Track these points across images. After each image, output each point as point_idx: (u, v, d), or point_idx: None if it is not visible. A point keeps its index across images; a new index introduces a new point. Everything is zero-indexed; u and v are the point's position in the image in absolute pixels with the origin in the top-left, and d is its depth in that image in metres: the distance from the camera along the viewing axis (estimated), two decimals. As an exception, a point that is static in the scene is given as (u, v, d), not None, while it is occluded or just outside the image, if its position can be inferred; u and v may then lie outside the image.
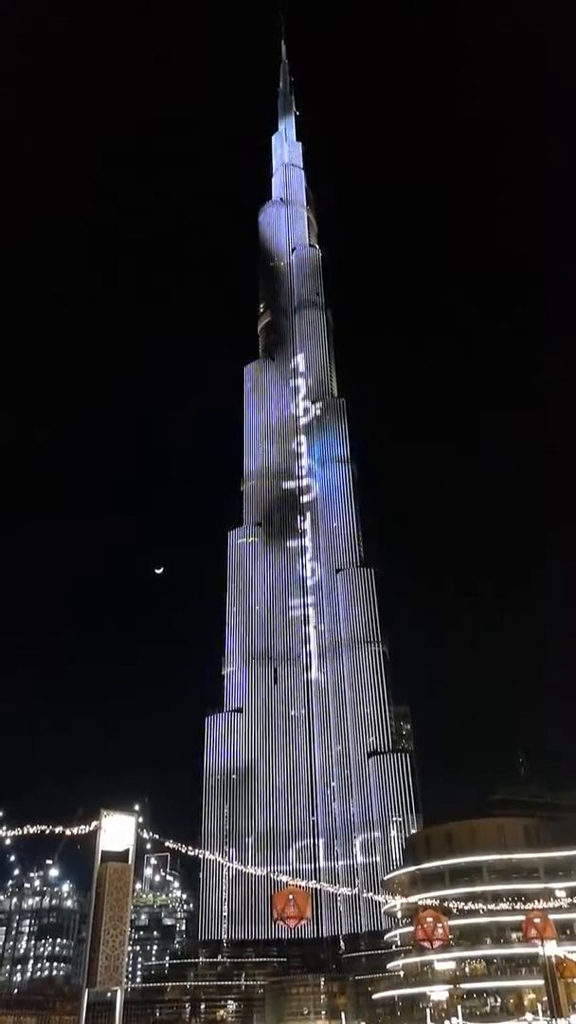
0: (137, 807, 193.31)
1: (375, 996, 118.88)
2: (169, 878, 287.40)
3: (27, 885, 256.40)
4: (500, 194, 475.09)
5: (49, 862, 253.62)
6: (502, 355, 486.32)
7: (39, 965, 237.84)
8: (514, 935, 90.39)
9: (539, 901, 76.45)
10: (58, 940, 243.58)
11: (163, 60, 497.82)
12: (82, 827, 30.52)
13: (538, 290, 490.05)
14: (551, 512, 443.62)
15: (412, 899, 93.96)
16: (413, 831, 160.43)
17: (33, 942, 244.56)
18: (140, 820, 32.00)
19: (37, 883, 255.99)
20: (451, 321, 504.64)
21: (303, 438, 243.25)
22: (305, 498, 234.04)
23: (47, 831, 34.82)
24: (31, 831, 34.68)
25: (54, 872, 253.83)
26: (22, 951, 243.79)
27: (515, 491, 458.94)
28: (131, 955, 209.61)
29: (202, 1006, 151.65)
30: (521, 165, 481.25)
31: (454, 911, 76.47)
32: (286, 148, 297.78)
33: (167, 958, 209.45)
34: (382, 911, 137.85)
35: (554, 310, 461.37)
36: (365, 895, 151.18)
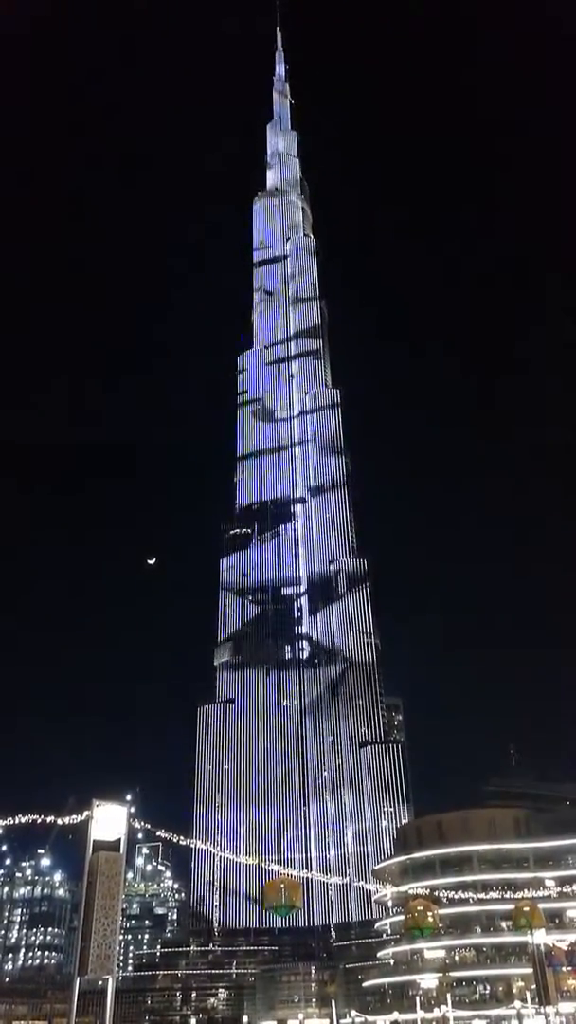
0: (129, 797, 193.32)
1: (365, 984, 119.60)
2: (161, 867, 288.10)
3: (19, 874, 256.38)
4: (500, 184, 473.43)
5: (41, 851, 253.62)
6: (499, 350, 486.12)
7: (31, 954, 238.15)
8: (503, 924, 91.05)
9: (529, 890, 77.10)
10: (50, 929, 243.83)
11: (158, 47, 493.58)
12: (74, 816, 30.48)
13: (538, 280, 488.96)
14: (551, 503, 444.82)
15: (403, 888, 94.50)
16: (404, 821, 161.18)
17: (25, 931, 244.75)
18: (132, 810, 31.94)
19: (29, 872, 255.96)
20: (447, 313, 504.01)
21: (296, 429, 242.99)
22: (299, 489, 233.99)
23: (39, 820, 34.74)
24: (22, 820, 34.58)
25: (46, 861, 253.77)
26: (13, 940, 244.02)
27: (515, 483, 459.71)
28: (122, 944, 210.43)
29: (193, 994, 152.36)
30: (523, 155, 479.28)
31: (444, 900, 76.86)
32: (281, 137, 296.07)
33: (159, 947, 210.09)
34: (373, 900, 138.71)
35: (554, 303, 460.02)
36: (356, 884, 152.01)
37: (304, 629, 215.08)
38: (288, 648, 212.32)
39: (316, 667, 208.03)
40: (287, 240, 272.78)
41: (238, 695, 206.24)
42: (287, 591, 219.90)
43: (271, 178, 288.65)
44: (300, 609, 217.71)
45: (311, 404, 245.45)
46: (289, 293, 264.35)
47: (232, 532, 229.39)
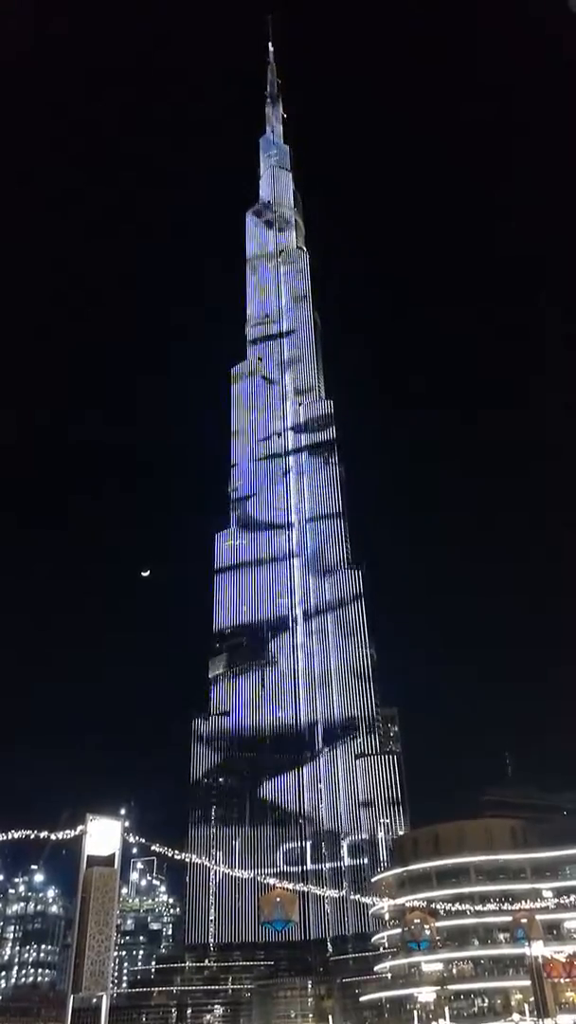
0: (123, 811, 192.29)
1: (362, 998, 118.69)
2: (156, 882, 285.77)
3: (11, 891, 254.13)
4: (496, 194, 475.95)
5: (34, 867, 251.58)
6: (497, 356, 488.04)
7: (24, 971, 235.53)
8: (501, 936, 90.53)
9: (526, 902, 76.75)
10: (43, 946, 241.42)
11: (149, 61, 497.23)
12: (67, 832, 30.25)
13: (537, 289, 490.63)
14: (550, 510, 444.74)
15: (399, 901, 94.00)
16: (400, 833, 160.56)
17: (17, 948, 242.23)
18: (126, 824, 31.74)
19: (21, 888, 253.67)
20: (443, 323, 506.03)
21: (290, 439, 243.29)
22: (293, 499, 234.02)
23: (32, 836, 34.45)
24: (15, 836, 34.29)
25: (39, 877, 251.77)
26: (6, 957, 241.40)
27: (512, 490, 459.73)
28: (117, 960, 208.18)
29: (189, 1010, 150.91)
30: (520, 164, 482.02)
31: (441, 912, 76.50)
32: (273, 150, 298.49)
33: (153, 963, 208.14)
34: (369, 913, 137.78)
35: (553, 308, 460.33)
36: (352, 897, 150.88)
37: (299, 638, 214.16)
38: (284, 659, 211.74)
39: (312, 679, 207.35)
40: (279, 253, 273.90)
41: (233, 707, 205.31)
42: (281, 604, 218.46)
43: (263, 192, 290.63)
44: (294, 619, 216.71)
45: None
46: (282, 306, 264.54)
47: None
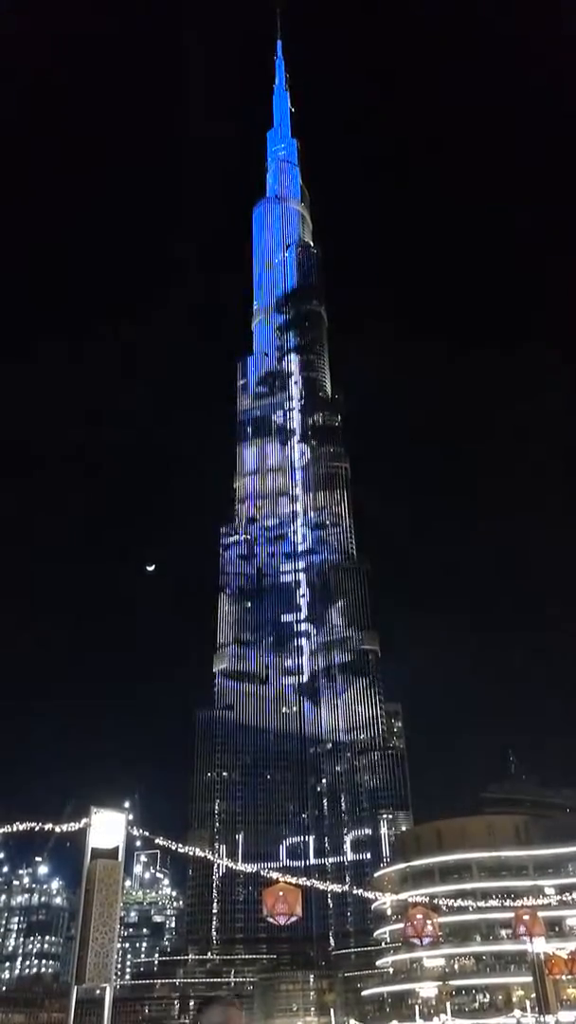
0: (127, 804, 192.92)
1: (364, 993, 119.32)
2: (159, 875, 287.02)
3: (16, 882, 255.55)
4: (505, 190, 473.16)
5: (39, 859, 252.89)
6: (502, 353, 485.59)
7: (28, 963, 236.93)
8: (503, 932, 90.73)
9: (528, 898, 76.85)
10: (47, 937, 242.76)
11: (156, 54, 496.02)
12: (72, 824, 30.45)
13: (541, 288, 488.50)
14: (551, 507, 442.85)
15: (402, 896, 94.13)
16: (403, 829, 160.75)
17: (21, 939, 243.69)
18: (130, 817, 31.91)
19: (26, 880, 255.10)
20: (449, 320, 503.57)
21: (296, 436, 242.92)
22: (297, 494, 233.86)
23: (36, 828, 34.69)
24: (20, 827, 34.52)
25: (44, 869, 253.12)
26: (10, 948, 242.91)
27: (514, 488, 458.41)
28: (120, 952, 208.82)
29: (191, 1003, 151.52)
30: (528, 160, 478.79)
31: (444, 908, 76.69)
32: (281, 144, 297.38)
33: (156, 955, 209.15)
34: (372, 908, 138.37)
35: (558, 308, 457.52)
36: (355, 892, 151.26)
37: (303, 632, 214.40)
38: (288, 654, 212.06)
39: (315, 673, 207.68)
40: (286, 247, 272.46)
41: (237, 701, 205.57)
42: (286, 596, 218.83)
43: (270, 186, 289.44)
44: (298, 614, 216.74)
45: (311, 412, 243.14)
46: (289, 301, 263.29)
47: None
